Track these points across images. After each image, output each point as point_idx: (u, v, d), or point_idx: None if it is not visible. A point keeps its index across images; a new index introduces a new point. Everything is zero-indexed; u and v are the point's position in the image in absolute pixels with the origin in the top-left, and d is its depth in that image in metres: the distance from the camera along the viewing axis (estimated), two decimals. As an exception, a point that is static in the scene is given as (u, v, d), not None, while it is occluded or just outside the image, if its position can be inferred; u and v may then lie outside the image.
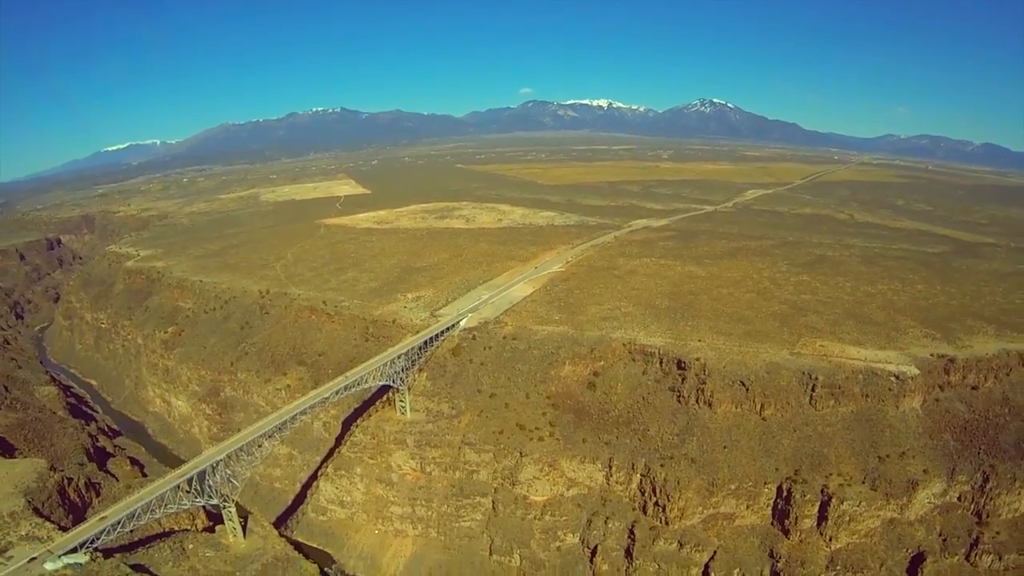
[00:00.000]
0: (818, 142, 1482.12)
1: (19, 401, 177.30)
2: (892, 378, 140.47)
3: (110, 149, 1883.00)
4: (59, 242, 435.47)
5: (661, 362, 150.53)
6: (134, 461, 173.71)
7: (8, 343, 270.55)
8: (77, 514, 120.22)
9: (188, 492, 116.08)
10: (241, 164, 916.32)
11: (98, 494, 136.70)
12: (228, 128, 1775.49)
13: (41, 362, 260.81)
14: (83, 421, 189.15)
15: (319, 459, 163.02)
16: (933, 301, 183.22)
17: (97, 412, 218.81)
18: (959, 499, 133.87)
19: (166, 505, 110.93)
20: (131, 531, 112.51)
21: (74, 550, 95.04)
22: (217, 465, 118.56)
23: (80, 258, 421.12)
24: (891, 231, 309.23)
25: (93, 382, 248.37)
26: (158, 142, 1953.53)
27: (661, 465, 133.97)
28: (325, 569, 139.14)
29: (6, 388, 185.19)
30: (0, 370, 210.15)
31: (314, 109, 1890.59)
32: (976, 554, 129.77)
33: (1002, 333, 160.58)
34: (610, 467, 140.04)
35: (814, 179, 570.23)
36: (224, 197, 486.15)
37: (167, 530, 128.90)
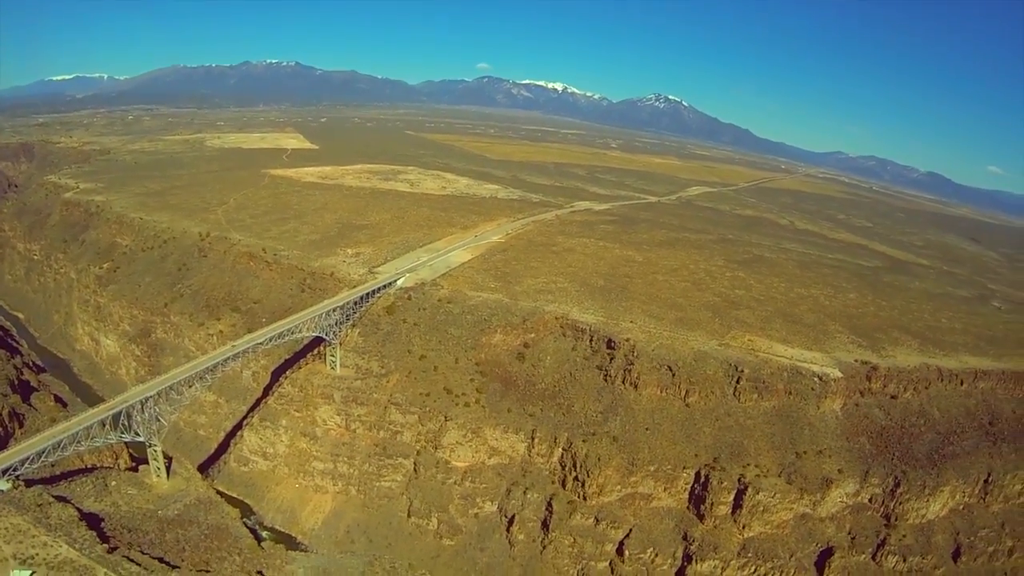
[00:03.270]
0: (767, 150, 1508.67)
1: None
2: (815, 378, 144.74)
3: (55, 79, 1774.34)
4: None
5: (591, 339, 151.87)
6: (58, 399, 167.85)
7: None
8: (0, 443, 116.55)
9: (115, 428, 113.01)
10: (189, 108, 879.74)
11: (21, 425, 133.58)
12: (179, 70, 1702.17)
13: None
14: (7, 353, 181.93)
15: (245, 408, 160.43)
16: (863, 311, 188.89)
17: (22, 346, 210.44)
18: (870, 501, 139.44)
19: (92, 438, 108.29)
20: (53, 464, 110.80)
21: None
22: (146, 402, 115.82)
23: (15, 186, 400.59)
24: (829, 241, 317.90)
25: (20, 315, 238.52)
26: (105, 76, 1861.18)
27: (583, 441, 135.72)
28: (244, 520, 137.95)
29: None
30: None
31: (269, 60, 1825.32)
32: (882, 554, 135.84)
33: (925, 348, 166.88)
34: (533, 439, 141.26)
35: (759, 184, 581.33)
36: (169, 138, 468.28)
37: (89, 466, 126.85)
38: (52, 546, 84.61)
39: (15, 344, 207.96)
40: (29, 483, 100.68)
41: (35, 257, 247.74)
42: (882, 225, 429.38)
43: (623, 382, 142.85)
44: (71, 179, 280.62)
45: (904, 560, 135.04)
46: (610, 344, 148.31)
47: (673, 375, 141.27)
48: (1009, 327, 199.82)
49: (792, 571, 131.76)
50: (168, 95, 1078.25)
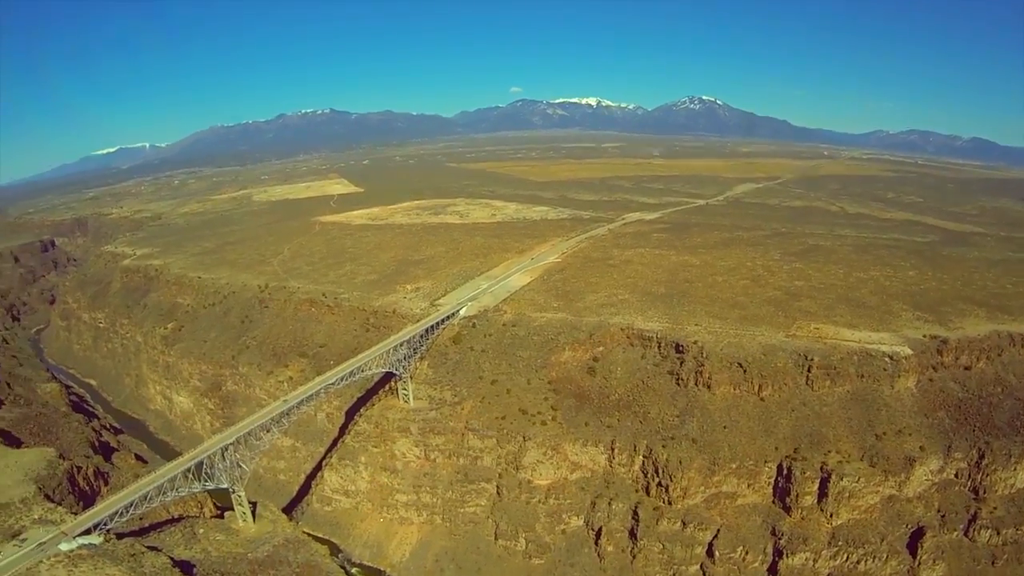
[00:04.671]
0: (807, 138, 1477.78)
1: (22, 397, 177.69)
2: (886, 359, 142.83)
3: (99, 153, 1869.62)
4: (53, 244, 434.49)
5: (659, 346, 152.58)
6: (138, 457, 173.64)
7: (7, 342, 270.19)
8: (87, 501, 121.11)
9: (198, 478, 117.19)
10: (231, 166, 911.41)
11: (106, 483, 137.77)
12: (217, 130, 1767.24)
13: (40, 361, 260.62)
14: (85, 417, 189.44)
15: (323, 450, 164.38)
16: (924, 286, 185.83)
17: (98, 410, 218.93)
18: (956, 476, 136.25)
19: (177, 489, 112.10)
20: (141, 518, 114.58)
21: (87, 532, 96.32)
22: (225, 450, 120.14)
23: (74, 260, 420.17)
24: (882, 222, 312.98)
25: (92, 382, 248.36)
26: (147, 145, 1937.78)
27: (663, 446, 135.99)
28: (332, 558, 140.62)
29: (8, 384, 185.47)
30: (2, 367, 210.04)
31: (303, 110, 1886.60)
32: (975, 529, 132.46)
33: (993, 316, 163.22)
34: (612, 449, 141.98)
35: (804, 174, 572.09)
36: (216, 198, 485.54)
37: (176, 517, 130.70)
38: None
39: (91, 409, 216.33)
40: (120, 536, 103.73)
41: (101, 325, 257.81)
42: (932, 198, 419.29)
43: (696, 384, 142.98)
44: (127, 247, 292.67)
45: (998, 533, 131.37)
46: (678, 348, 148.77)
47: (744, 371, 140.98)
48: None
49: (885, 555, 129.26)
50: (209, 156, 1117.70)
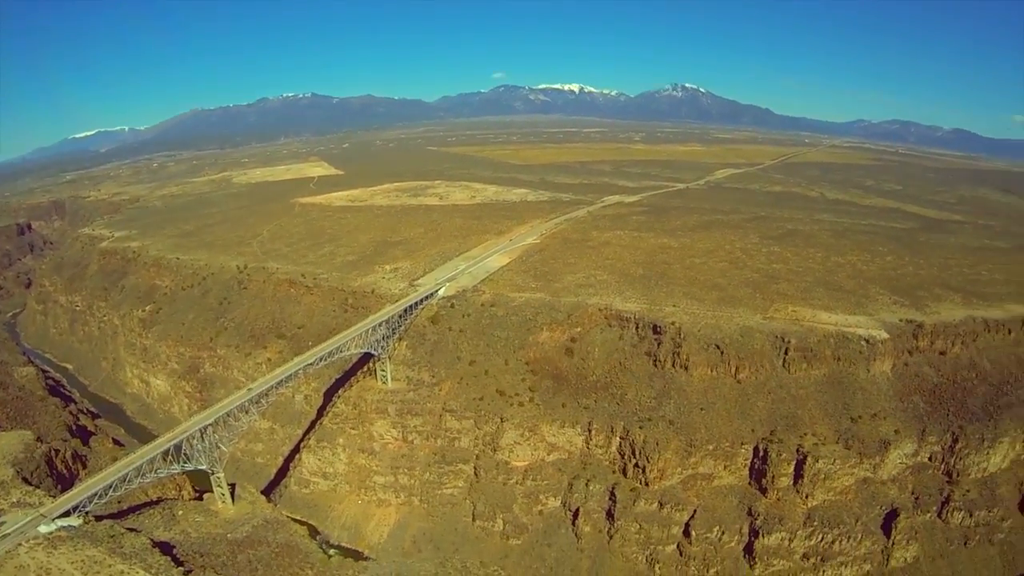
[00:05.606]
0: (789, 126, 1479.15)
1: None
2: (863, 342, 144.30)
3: (77, 136, 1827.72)
4: (29, 227, 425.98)
5: (637, 327, 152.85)
6: (115, 441, 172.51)
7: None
8: (65, 484, 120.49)
9: (176, 460, 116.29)
10: (211, 149, 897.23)
11: (84, 466, 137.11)
12: (197, 114, 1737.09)
13: (16, 345, 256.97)
14: (62, 401, 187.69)
15: (300, 432, 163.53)
16: (901, 271, 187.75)
17: (75, 395, 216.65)
18: (930, 459, 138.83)
19: (156, 470, 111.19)
20: (120, 500, 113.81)
21: (66, 514, 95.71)
22: (204, 431, 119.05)
23: (51, 243, 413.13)
24: (861, 208, 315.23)
25: (69, 366, 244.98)
26: (126, 129, 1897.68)
27: (640, 427, 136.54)
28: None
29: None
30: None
31: (285, 94, 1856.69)
32: (947, 511, 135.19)
33: (969, 302, 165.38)
34: (589, 431, 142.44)
35: (785, 160, 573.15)
36: (196, 180, 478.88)
37: (155, 499, 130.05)
38: (129, 573, 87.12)
39: (68, 393, 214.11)
40: (99, 518, 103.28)
41: (77, 308, 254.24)
42: (912, 187, 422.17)
43: (673, 365, 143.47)
44: (105, 229, 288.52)
45: (970, 515, 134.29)
46: (656, 329, 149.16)
47: (722, 353, 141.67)
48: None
49: (859, 536, 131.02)
50: (189, 140, 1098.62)
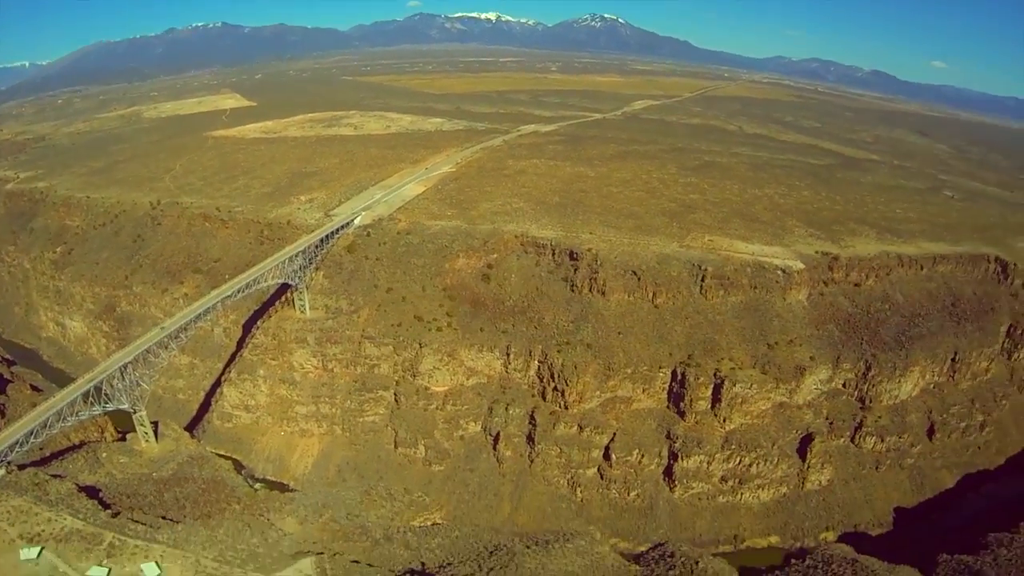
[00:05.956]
0: (709, 60, 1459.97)
1: None
2: (779, 271, 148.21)
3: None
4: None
5: (554, 253, 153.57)
6: (33, 387, 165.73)
7: None
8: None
9: (97, 400, 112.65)
10: (119, 83, 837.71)
11: (3, 415, 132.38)
12: (103, 46, 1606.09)
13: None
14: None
15: (221, 365, 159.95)
16: (818, 206, 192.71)
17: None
18: (844, 386, 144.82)
19: (77, 413, 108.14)
20: (42, 447, 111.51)
21: None
22: (124, 369, 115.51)
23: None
24: (779, 143, 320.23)
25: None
26: (27, 64, 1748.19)
27: (558, 351, 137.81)
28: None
29: None
30: None
31: (194, 24, 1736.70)
32: (860, 436, 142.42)
33: (883, 237, 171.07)
34: (508, 355, 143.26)
35: (704, 93, 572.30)
36: (104, 116, 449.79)
37: (77, 443, 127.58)
38: (56, 520, 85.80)
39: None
40: (21, 467, 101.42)
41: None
42: (831, 124, 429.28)
43: (590, 291, 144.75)
44: (9, 170, 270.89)
45: (882, 440, 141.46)
46: (572, 256, 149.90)
47: (639, 279, 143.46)
48: (963, 214, 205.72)
49: (776, 459, 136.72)
50: (95, 74, 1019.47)
